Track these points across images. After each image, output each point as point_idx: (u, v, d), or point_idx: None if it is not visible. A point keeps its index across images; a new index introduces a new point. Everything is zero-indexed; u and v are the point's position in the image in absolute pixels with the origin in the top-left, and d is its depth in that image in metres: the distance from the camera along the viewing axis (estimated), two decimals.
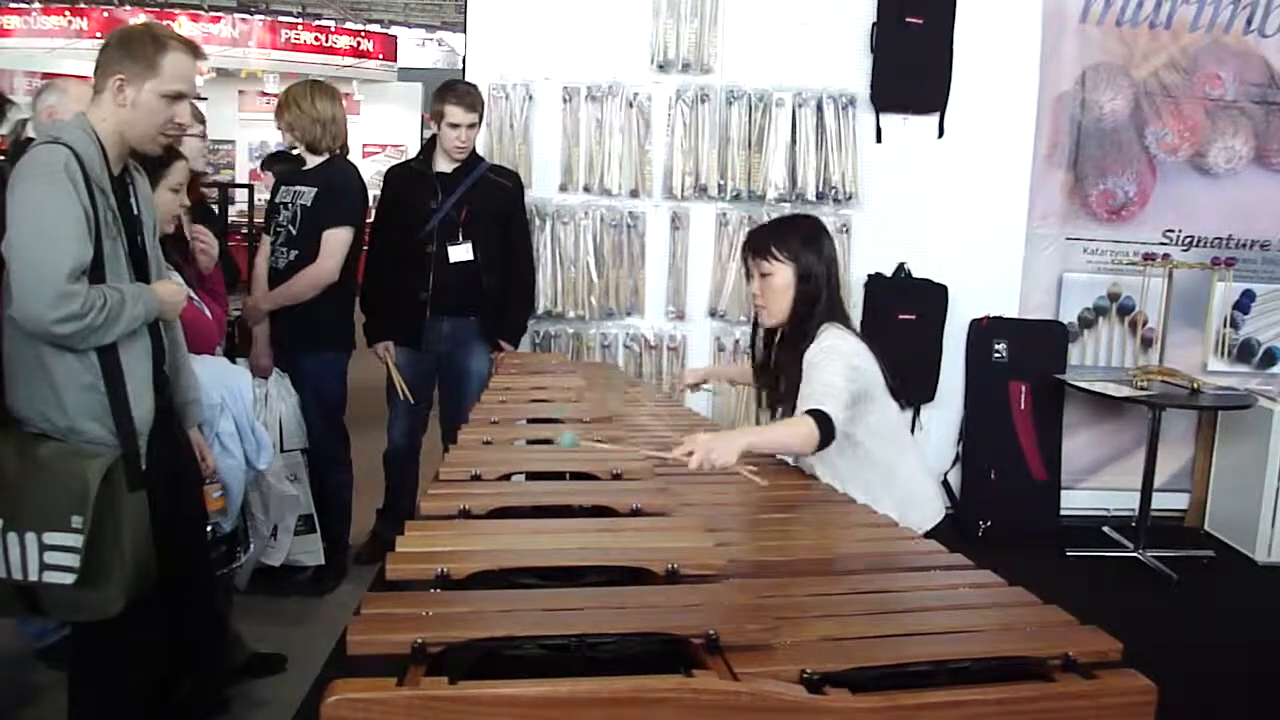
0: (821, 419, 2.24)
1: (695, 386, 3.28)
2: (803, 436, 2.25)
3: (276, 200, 3.94)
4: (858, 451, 2.48)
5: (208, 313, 3.00)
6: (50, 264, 2.14)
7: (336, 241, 3.80)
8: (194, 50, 2.42)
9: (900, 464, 2.54)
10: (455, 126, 3.97)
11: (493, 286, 4.10)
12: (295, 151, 4.01)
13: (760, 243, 2.55)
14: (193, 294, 2.81)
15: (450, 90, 4.01)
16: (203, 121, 3.57)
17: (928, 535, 2.20)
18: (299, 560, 3.82)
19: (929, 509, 2.55)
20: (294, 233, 3.83)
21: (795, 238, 2.52)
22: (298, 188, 3.87)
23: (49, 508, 2.22)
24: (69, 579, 2.22)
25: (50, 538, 2.21)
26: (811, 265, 2.50)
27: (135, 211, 2.42)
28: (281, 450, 3.69)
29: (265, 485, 3.62)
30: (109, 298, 2.23)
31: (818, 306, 2.50)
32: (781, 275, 2.51)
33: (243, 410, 3.00)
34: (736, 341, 4.72)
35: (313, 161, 3.89)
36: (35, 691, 3.13)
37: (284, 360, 3.84)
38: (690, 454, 2.11)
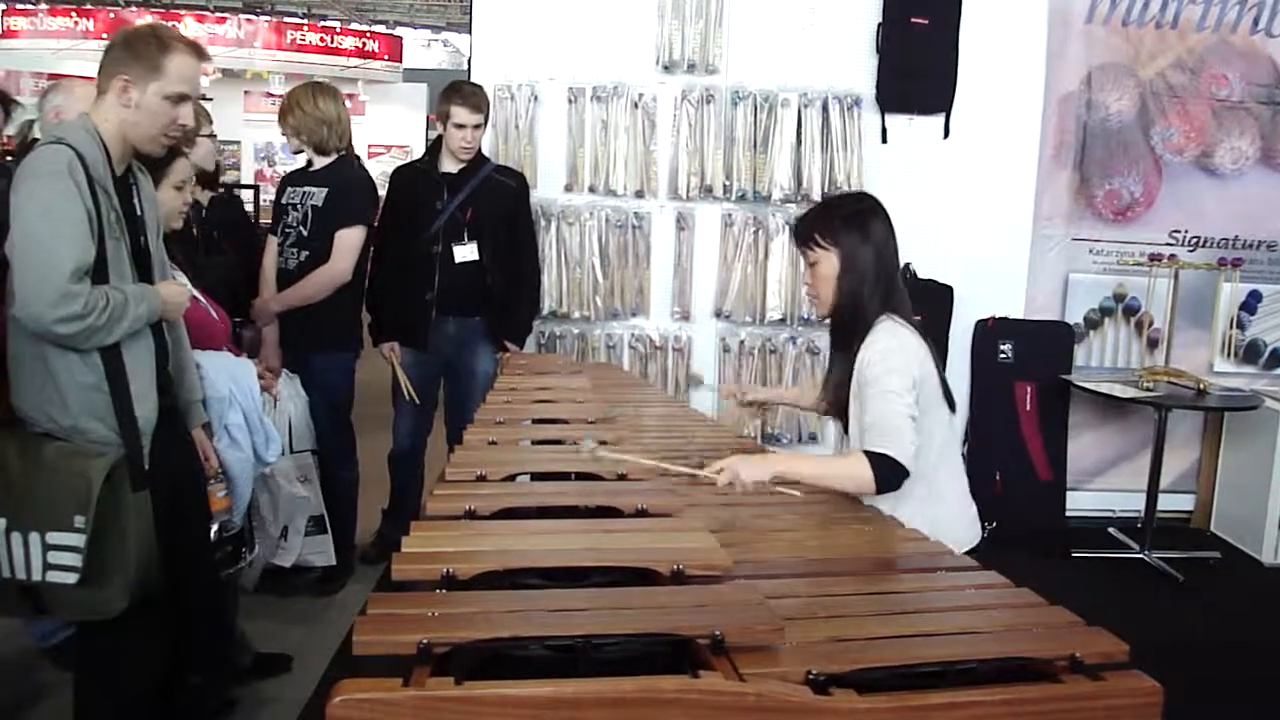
0: (880, 464, 2.12)
1: (761, 405, 3.00)
2: (857, 482, 2.13)
3: (284, 201, 3.93)
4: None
5: (213, 313, 3.00)
6: (53, 264, 2.15)
7: (349, 241, 3.81)
8: (198, 52, 2.42)
9: (940, 477, 2.33)
10: (461, 127, 3.98)
11: (498, 287, 4.10)
12: (302, 155, 4.01)
13: (803, 229, 2.38)
14: (197, 294, 2.81)
15: (456, 91, 4.02)
16: (210, 123, 3.57)
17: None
18: (310, 561, 3.82)
19: (965, 533, 2.32)
20: (305, 233, 3.83)
21: (838, 221, 2.33)
22: (307, 188, 3.87)
23: (52, 507, 2.22)
24: (71, 578, 2.23)
25: (53, 537, 2.22)
26: (855, 250, 2.30)
27: (139, 212, 2.42)
28: (291, 451, 3.69)
29: (275, 486, 3.62)
30: (111, 298, 2.23)
31: (866, 296, 2.31)
32: (827, 263, 2.32)
33: (251, 403, 2.99)
34: (741, 342, 4.72)
35: (320, 162, 3.89)
36: (41, 691, 3.14)
37: (293, 360, 3.84)
38: (719, 472, 2.09)
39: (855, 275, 2.31)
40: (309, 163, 3.98)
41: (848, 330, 2.35)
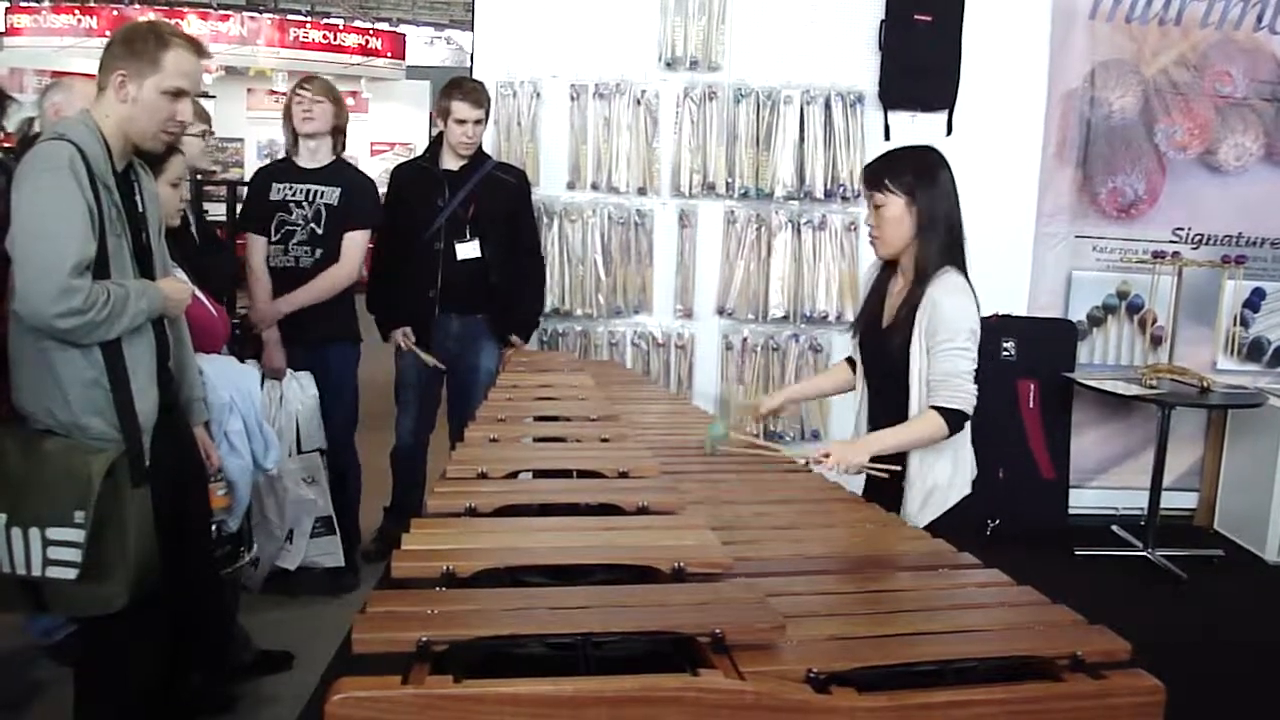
0: (952, 417, 2.36)
1: (776, 413, 2.99)
2: (935, 437, 2.39)
3: (277, 198, 3.86)
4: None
5: (213, 311, 3.00)
6: (53, 259, 2.15)
7: (358, 243, 3.86)
8: (197, 48, 2.42)
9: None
10: (462, 122, 3.98)
11: (500, 283, 4.10)
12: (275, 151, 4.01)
13: (874, 173, 2.50)
14: (198, 292, 2.81)
15: (457, 86, 4.03)
16: (207, 121, 3.56)
17: (959, 505, 2.43)
18: (318, 563, 3.82)
19: (969, 475, 2.56)
20: (319, 232, 3.82)
21: (909, 169, 2.46)
22: (312, 186, 3.85)
23: (52, 503, 2.23)
24: (71, 574, 2.23)
25: (53, 533, 2.22)
26: (929, 199, 2.44)
27: (140, 208, 2.42)
28: (299, 451, 3.69)
29: (281, 489, 3.63)
30: (112, 293, 2.23)
31: (934, 243, 2.45)
32: (894, 206, 2.46)
33: (251, 410, 3.00)
34: (744, 340, 4.71)
35: (319, 160, 3.87)
36: (41, 687, 3.15)
37: (304, 356, 3.82)
38: (827, 455, 2.36)
39: (923, 224, 2.45)
40: (288, 158, 3.96)
41: (910, 272, 2.49)
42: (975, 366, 2.42)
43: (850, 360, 2.80)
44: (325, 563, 3.83)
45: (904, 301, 2.49)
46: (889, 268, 2.60)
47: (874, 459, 2.40)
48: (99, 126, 2.31)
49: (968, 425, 2.49)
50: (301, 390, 3.73)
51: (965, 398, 2.38)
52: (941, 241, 2.45)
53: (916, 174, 2.45)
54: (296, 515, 3.70)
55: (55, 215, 2.18)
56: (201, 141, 3.35)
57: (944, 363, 2.39)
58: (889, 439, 2.43)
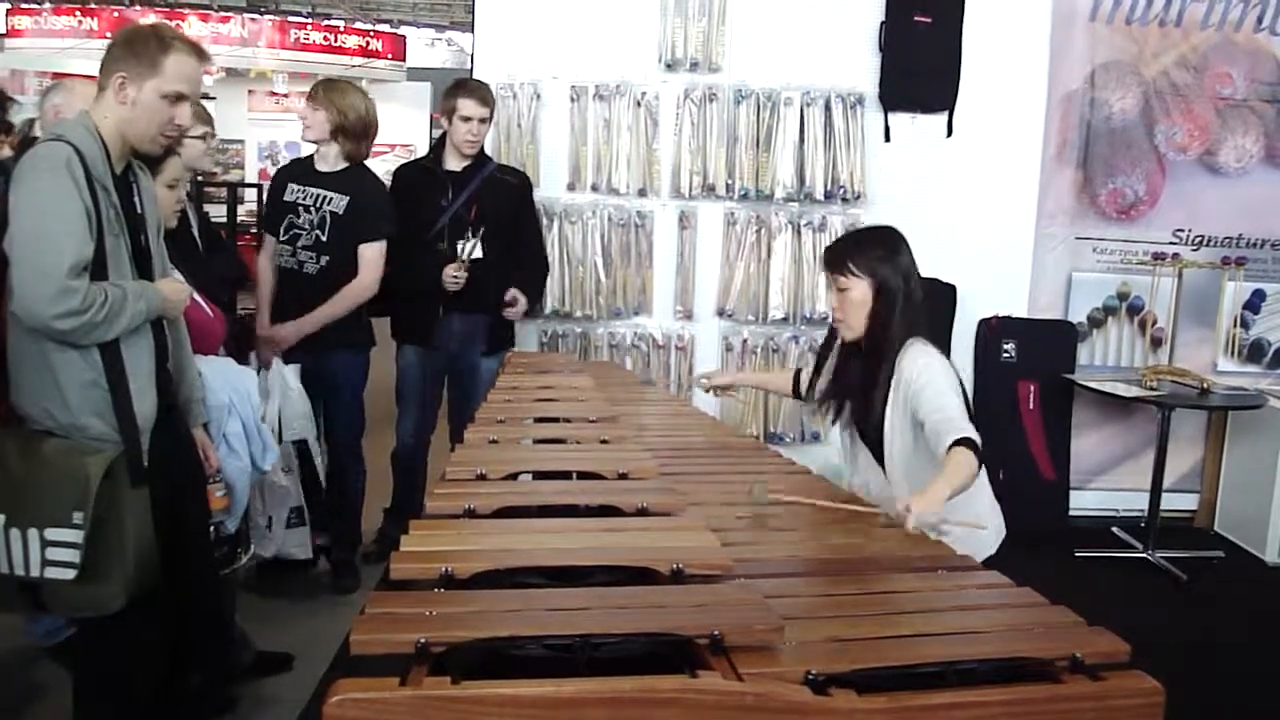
0: (973, 447, 2.28)
1: (723, 389, 3.21)
2: (970, 465, 2.26)
3: (289, 199, 3.88)
4: (930, 463, 2.40)
5: (210, 312, 3.00)
6: (51, 260, 2.15)
7: (375, 256, 3.83)
8: (198, 52, 2.42)
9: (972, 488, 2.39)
10: (467, 120, 3.98)
11: (502, 284, 4.10)
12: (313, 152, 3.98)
13: (836, 257, 2.53)
14: (195, 293, 2.81)
15: (463, 85, 4.06)
16: (210, 124, 3.56)
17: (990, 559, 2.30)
18: (291, 554, 3.80)
19: (990, 538, 2.47)
20: (323, 239, 3.81)
21: (871, 252, 2.50)
22: (322, 191, 3.84)
23: (51, 503, 2.22)
24: (70, 574, 2.23)
25: (51, 533, 2.22)
26: (888, 279, 2.47)
27: (138, 210, 2.42)
28: (279, 440, 3.69)
29: (264, 478, 3.63)
30: (110, 294, 2.23)
31: (894, 321, 2.47)
32: (858, 290, 2.48)
33: (250, 412, 3.00)
34: (744, 341, 4.71)
35: (334, 164, 3.86)
36: (42, 688, 3.14)
37: (310, 363, 3.81)
38: (908, 509, 2.12)
39: (887, 304, 2.47)
40: (310, 158, 3.95)
41: (875, 353, 2.50)
42: (960, 404, 2.40)
43: (798, 374, 2.94)
44: (297, 554, 3.80)
45: (870, 378, 2.50)
46: (850, 344, 2.60)
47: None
48: (97, 128, 2.31)
49: (984, 495, 2.52)
50: (285, 381, 3.71)
51: (969, 428, 2.33)
52: (902, 318, 2.47)
53: (879, 255, 2.49)
54: (274, 503, 3.70)
55: (53, 216, 2.18)
56: (202, 144, 3.34)
57: (935, 405, 2.37)
58: (945, 485, 2.22)
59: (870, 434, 2.55)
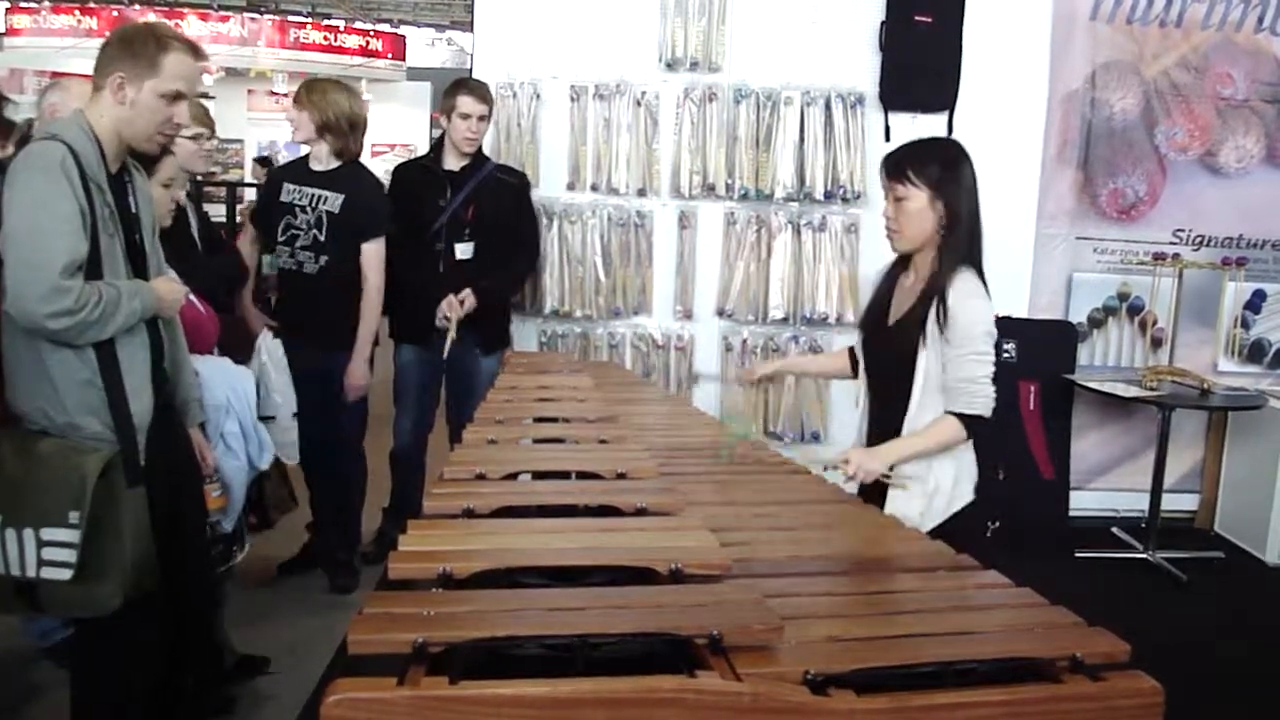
0: (971, 423, 2.31)
1: (767, 379, 3.01)
2: (953, 438, 2.33)
3: (285, 200, 3.87)
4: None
5: (203, 311, 3.00)
6: (44, 259, 2.15)
7: (377, 254, 3.85)
8: (195, 51, 2.42)
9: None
10: (466, 117, 3.99)
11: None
12: (306, 151, 3.98)
13: (896, 164, 2.40)
14: (190, 293, 2.80)
15: (462, 84, 4.07)
16: (210, 125, 3.55)
17: (962, 511, 2.39)
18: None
19: (972, 481, 2.52)
20: (320, 239, 3.81)
21: (935, 162, 2.38)
22: (317, 190, 3.84)
23: (47, 503, 2.22)
24: (66, 575, 2.23)
25: (48, 533, 2.22)
26: (953, 194, 2.37)
27: (133, 209, 2.42)
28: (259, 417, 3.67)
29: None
30: (104, 293, 2.23)
31: (953, 242, 2.37)
32: (917, 199, 2.37)
33: (247, 411, 3.00)
34: (744, 341, 4.70)
35: (327, 163, 3.86)
36: (39, 689, 3.14)
37: (314, 362, 3.80)
38: (846, 461, 2.31)
39: (944, 218, 2.38)
40: (305, 158, 3.95)
41: (929, 273, 2.41)
42: (994, 369, 2.38)
43: (852, 350, 2.76)
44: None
45: (916, 300, 2.42)
46: (901, 261, 2.54)
47: (892, 468, 2.35)
48: (92, 127, 2.30)
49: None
50: (268, 356, 3.68)
51: (984, 402, 2.34)
52: (962, 240, 2.38)
53: (943, 166, 2.38)
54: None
55: (47, 215, 2.17)
56: (194, 144, 3.33)
57: (961, 369, 2.33)
58: (907, 447, 2.35)
59: (897, 351, 2.44)
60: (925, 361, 2.39)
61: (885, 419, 2.48)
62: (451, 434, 4.16)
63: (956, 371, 2.33)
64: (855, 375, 2.71)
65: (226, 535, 2.95)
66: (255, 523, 3.91)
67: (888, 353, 2.49)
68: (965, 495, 2.47)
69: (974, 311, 2.35)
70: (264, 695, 3.16)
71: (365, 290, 3.84)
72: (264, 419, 3.63)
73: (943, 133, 4.72)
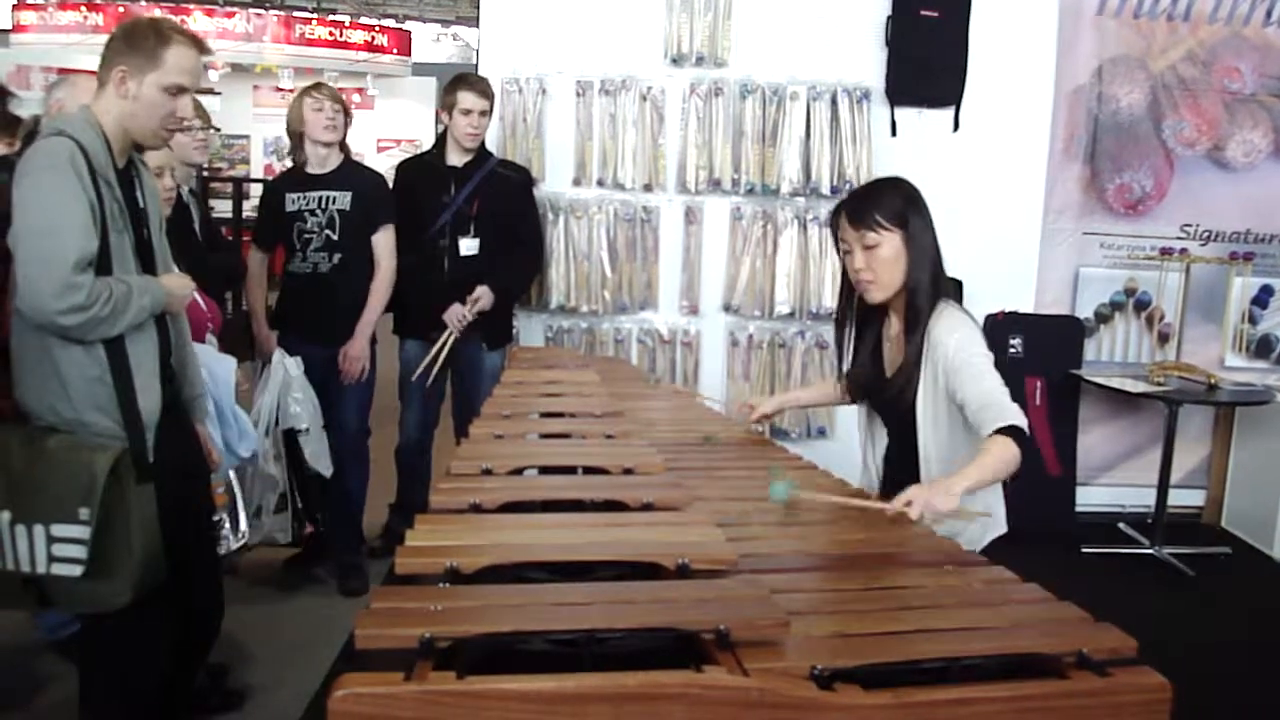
0: (1019, 436, 2.10)
1: (767, 418, 2.86)
2: (1012, 455, 2.10)
3: (293, 209, 3.86)
4: (968, 442, 2.29)
5: (201, 304, 3.01)
6: (55, 255, 2.14)
7: (388, 242, 3.91)
8: (198, 44, 2.41)
9: None
10: (468, 113, 3.99)
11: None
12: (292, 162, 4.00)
13: (861, 211, 2.29)
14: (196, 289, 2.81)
15: (462, 79, 4.07)
16: (206, 119, 3.55)
17: (995, 543, 2.28)
18: (275, 539, 3.80)
19: (1003, 514, 2.42)
20: (334, 237, 3.83)
21: (898, 199, 2.30)
22: (324, 193, 3.85)
23: (56, 500, 2.21)
24: (76, 571, 2.23)
25: (58, 530, 2.22)
26: (919, 228, 2.29)
27: (141, 204, 2.42)
28: (276, 425, 3.68)
29: (254, 466, 3.62)
30: (115, 289, 2.23)
31: (926, 278, 2.28)
32: (889, 244, 2.27)
33: (225, 395, 2.99)
34: (750, 336, 4.70)
35: (325, 165, 3.87)
36: (48, 681, 3.15)
37: (320, 357, 3.82)
38: (909, 504, 1.99)
39: (920, 257, 2.30)
40: (299, 166, 3.94)
41: (910, 316, 2.32)
42: (1001, 383, 2.22)
43: (842, 377, 2.64)
44: (280, 539, 3.79)
45: (907, 349, 2.33)
46: (874, 311, 2.43)
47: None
48: (99, 122, 2.30)
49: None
50: (287, 371, 3.71)
51: (1015, 411, 2.15)
52: (932, 274, 2.30)
53: (905, 201, 2.30)
54: (264, 491, 3.70)
55: (57, 211, 2.17)
56: (189, 138, 3.34)
57: (976, 392, 2.19)
58: (973, 475, 2.10)
59: (900, 402, 2.35)
60: (928, 409, 2.32)
61: (905, 454, 2.40)
62: (457, 429, 4.16)
63: (973, 397, 2.20)
64: (853, 401, 2.62)
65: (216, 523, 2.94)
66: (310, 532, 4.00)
67: (892, 405, 2.40)
68: (1000, 525, 2.39)
69: (964, 338, 2.25)
70: (270, 690, 3.16)
71: (377, 274, 3.89)
72: (294, 432, 3.68)
73: (949, 128, 4.73)
